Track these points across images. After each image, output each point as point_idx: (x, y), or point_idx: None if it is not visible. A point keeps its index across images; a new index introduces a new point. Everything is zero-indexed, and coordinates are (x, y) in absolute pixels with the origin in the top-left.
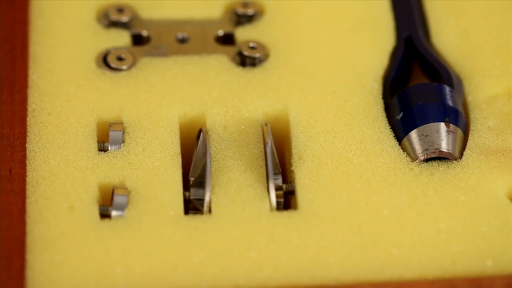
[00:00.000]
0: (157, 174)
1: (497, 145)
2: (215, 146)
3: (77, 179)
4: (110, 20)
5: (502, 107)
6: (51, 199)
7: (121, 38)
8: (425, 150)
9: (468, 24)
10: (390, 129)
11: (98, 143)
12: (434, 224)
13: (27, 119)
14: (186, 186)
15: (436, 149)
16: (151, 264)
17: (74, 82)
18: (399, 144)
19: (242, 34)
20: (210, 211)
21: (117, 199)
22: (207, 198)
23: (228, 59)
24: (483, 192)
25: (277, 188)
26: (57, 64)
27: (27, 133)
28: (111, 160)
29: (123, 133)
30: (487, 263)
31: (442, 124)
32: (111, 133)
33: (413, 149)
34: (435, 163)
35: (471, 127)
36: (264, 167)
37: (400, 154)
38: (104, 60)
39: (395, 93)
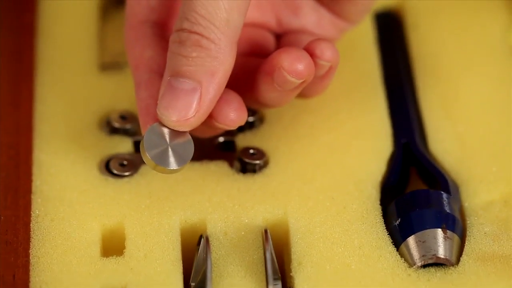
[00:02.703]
0: (158, 279)
1: (493, 251)
2: (215, 252)
3: (80, 284)
4: (112, 127)
5: (499, 213)
6: None
7: (123, 145)
8: (423, 256)
9: (464, 131)
10: (388, 235)
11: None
12: None
13: (31, 224)
14: None
15: (433, 255)
16: None
17: (77, 188)
18: (397, 250)
19: (243, 140)
20: None
21: None
22: None
23: (228, 165)
24: None
25: None
26: (60, 170)
27: (31, 238)
28: (113, 265)
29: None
30: None
31: (439, 231)
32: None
33: (411, 255)
34: (432, 269)
35: (468, 233)
36: (264, 272)
37: (398, 260)
38: (107, 166)
39: (393, 199)
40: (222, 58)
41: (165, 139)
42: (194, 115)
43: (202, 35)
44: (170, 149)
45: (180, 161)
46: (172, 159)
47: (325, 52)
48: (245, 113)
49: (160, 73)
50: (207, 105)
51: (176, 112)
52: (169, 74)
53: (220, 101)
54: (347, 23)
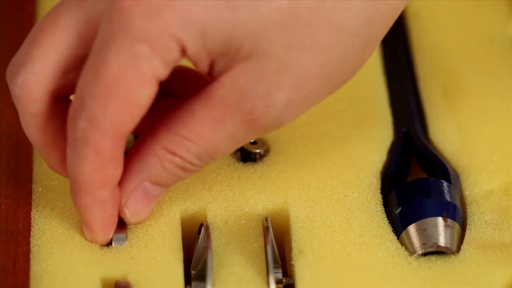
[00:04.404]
0: (159, 268)
1: (494, 239)
2: (216, 241)
3: (80, 273)
4: None
5: (499, 201)
6: None
7: None
8: (423, 244)
9: (465, 120)
10: (389, 224)
11: None
12: None
13: (31, 213)
14: (188, 280)
15: (433, 243)
16: None
17: None
18: (398, 238)
19: None
20: None
21: None
22: None
23: (229, 154)
24: (481, 286)
25: (277, 282)
26: None
27: (31, 227)
28: (114, 255)
29: (127, 229)
30: None
31: (440, 219)
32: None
33: (411, 243)
34: (433, 257)
35: (468, 222)
36: (264, 261)
37: (398, 248)
38: None
39: (393, 187)
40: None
41: None
42: (148, 213)
43: (200, 167)
44: None
45: None
46: None
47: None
48: None
49: (117, 185)
50: None
51: (140, 212)
52: (145, 179)
53: None
54: None
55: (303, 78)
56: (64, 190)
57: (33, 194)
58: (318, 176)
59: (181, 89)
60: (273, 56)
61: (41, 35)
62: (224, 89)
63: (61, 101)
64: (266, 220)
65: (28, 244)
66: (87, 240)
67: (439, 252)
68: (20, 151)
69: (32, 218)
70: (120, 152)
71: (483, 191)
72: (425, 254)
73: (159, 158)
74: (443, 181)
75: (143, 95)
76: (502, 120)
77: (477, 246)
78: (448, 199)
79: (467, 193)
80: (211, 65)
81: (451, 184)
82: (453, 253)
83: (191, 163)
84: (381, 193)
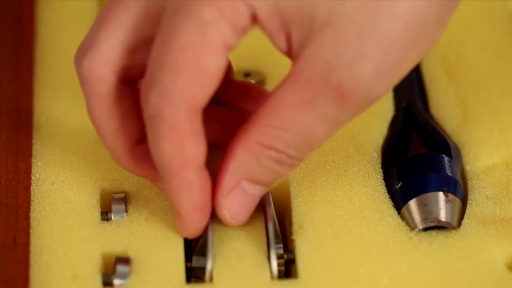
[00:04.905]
0: (159, 243)
1: (495, 214)
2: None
3: (80, 248)
4: None
5: (500, 176)
6: (54, 268)
7: None
8: (424, 219)
9: (466, 94)
10: (390, 198)
11: (101, 213)
12: None
13: (31, 188)
14: (188, 255)
15: (434, 218)
16: None
17: (77, 151)
18: (398, 213)
19: None
20: (211, 279)
21: (120, 268)
22: (208, 267)
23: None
24: (482, 261)
25: (278, 257)
26: (61, 134)
27: (31, 202)
28: (114, 229)
29: (126, 202)
30: None
31: (441, 194)
32: (114, 203)
33: (412, 218)
34: (433, 232)
35: (469, 197)
36: (265, 236)
37: (399, 223)
38: None
39: (394, 162)
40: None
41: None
42: (249, 215)
43: (299, 160)
44: None
45: None
46: None
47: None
48: None
49: (204, 168)
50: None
51: (241, 214)
52: (243, 177)
53: None
54: None
55: (387, 42)
56: (63, 164)
57: (32, 168)
58: (319, 150)
59: (247, 105)
60: (350, 20)
61: (108, 15)
62: (309, 65)
63: (129, 84)
64: (267, 195)
65: (28, 218)
66: (180, 235)
67: (440, 227)
68: (20, 125)
69: (32, 193)
70: (198, 127)
71: (484, 166)
72: (426, 229)
73: (254, 153)
74: (444, 155)
75: (212, 63)
76: (503, 95)
77: (478, 221)
78: (449, 174)
79: (468, 168)
80: (288, 39)
81: (452, 159)
82: (454, 228)
83: (287, 155)
84: (382, 167)
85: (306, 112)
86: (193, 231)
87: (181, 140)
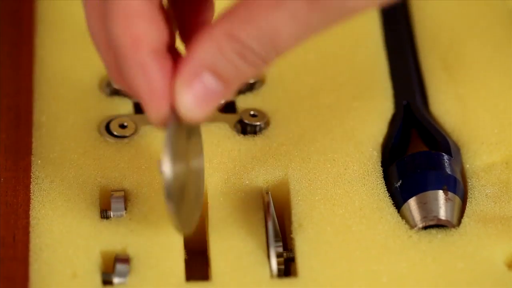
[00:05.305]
0: (159, 241)
1: (494, 213)
2: (215, 214)
3: (80, 246)
4: (113, 88)
5: (500, 174)
6: (54, 266)
7: (124, 106)
8: (424, 217)
9: (466, 92)
10: (389, 197)
11: (100, 211)
12: None
13: (31, 186)
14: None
15: (434, 216)
16: None
17: (77, 149)
18: (398, 212)
19: (243, 102)
20: (211, 277)
21: (119, 266)
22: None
23: (229, 127)
24: (481, 260)
25: (278, 255)
26: (60, 132)
27: (31, 200)
28: (114, 227)
29: (125, 200)
30: None
31: (440, 192)
32: (113, 201)
33: (412, 216)
34: (433, 231)
35: (469, 195)
36: (264, 234)
37: (399, 222)
38: (107, 128)
39: (394, 160)
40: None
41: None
42: (206, 112)
43: (265, 62)
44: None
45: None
46: None
47: None
48: None
49: (163, 54)
50: (220, 104)
51: (198, 107)
52: (204, 67)
53: None
54: None
55: None
56: (63, 162)
57: (32, 167)
58: (319, 149)
59: None
60: None
61: None
62: None
63: None
64: (267, 193)
65: (27, 217)
66: (148, 120)
67: (440, 225)
68: (20, 123)
69: (31, 191)
70: (150, 11)
71: (484, 164)
72: (425, 228)
73: (217, 42)
74: (443, 154)
75: None
76: (503, 93)
77: (477, 219)
78: (449, 172)
79: (467, 166)
80: None
81: (452, 157)
82: (453, 226)
83: (251, 50)
84: (382, 166)
85: (275, 8)
86: (156, 117)
87: (130, 20)
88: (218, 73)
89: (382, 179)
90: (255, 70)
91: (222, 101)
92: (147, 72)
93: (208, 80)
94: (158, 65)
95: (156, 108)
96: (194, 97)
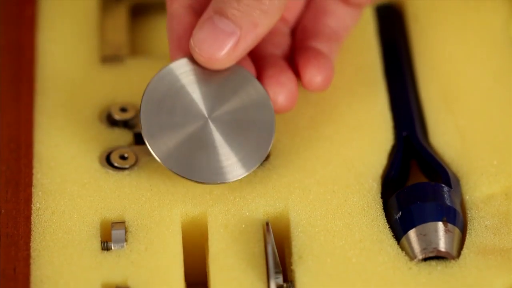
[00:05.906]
0: (159, 273)
1: (494, 244)
2: (216, 245)
3: (81, 278)
4: (113, 120)
5: (500, 206)
6: None
7: (124, 137)
8: (423, 249)
9: (465, 124)
10: (389, 228)
11: (101, 242)
12: None
13: (32, 218)
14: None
15: (434, 248)
16: None
17: (77, 181)
18: (398, 243)
19: None
20: None
21: None
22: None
23: None
24: None
25: (278, 287)
26: (61, 163)
27: (31, 232)
28: (114, 259)
29: (126, 232)
30: None
31: (440, 224)
32: (114, 232)
33: (412, 248)
34: (433, 262)
35: (469, 226)
36: (265, 265)
37: (398, 253)
38: (107, 159)
39: (393, 192)
40: (270, 14)
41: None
42: (224, 58)
43: (267, 6)
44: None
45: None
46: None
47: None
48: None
49: (196, 10)
50: (240, 52)
51: (209, 48)
52: (213, 11)
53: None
54: (356, 9)
55: None
56: (64, 194)
57: (33, 198)
58: (319, 180)
59: None
60: None
61: None
62: None
63: None
64: (267, 225)
65: (28, 249)
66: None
67: (440, 257)
68: (20, 154)
69: (32, 223)
70: None
71: (484, 196)
72: (425, 259)
73: None
74: (443, 185)
75: None
76: (503, 124)
77: (477, 251)
78: (448, 204)
79: (467, 197)
80: None
81: (451, 188)
82: (453, 258)
83: None
84: (382, 197)
85: None
86: (172, 58)
87: None
88: (226, 14)
89: (382, 211)
90: (260, 16)
91: (243, 46)
92: (172, 21)
93: (218, 21)
94: (181, 17)
95: (172, 51)
96: (206, 35)
